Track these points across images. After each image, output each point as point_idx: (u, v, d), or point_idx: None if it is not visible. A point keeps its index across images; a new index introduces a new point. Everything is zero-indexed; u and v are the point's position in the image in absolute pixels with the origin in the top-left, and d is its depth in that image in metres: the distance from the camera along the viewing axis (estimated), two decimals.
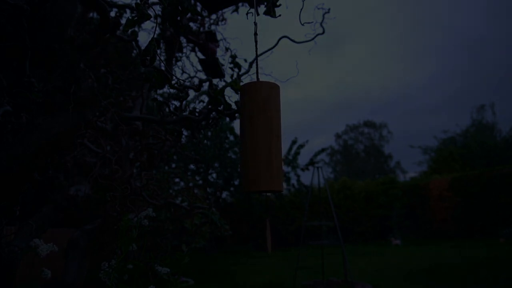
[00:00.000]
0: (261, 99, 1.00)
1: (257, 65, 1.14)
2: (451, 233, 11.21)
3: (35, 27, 1.62)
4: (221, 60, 3.45)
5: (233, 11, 3.72)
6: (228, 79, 3.33)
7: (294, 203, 13.12)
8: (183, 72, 3.80)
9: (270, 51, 3.32)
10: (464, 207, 11.04)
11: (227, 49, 3.68)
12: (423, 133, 34.89)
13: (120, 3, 3.09)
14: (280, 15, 2.02)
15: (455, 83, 44.82)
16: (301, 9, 2.39)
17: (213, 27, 3.82)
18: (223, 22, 3.89)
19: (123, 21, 2.65)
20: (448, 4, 47.33)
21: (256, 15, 1.15)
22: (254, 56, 1.17)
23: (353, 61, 53.84)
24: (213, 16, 3.82)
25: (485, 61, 43.61)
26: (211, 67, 3.42)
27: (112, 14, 3.09)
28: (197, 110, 2.32)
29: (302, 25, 2.57)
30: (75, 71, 1.76)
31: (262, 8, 2.01)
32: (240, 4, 3.46)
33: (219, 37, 3.66)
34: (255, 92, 1.01)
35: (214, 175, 12.12)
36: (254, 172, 0.96)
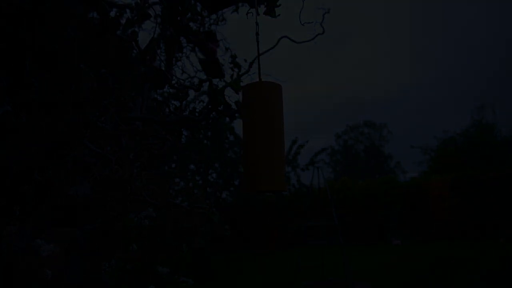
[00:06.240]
0: (263, 99, 1.00)
1: (259, 65, 1.14)
2: (451, 233, 11.20)
3: (35, 27, 1.62)
4: (221, 60, 3.44)
5: (233, 11, 3.71)
6: (228, 79, 3.33)
7: (294, 203, 13.12)
8: (183, 72, 3.79)
9: (270, 51, 3.32)
10: (464, 207, 11.03)
11: (227, 49, 3.68)
12: (423, 133, 34.86)
13: (120, 3, 3.08)
14: (279, 15, 2.02)
15: (455, 83, 44.79)
16: (301, 9, 2.39)
17: (213, 27, 3.81)
18: (223, 22, 3.88)
19: (123, 21, 2.64)
20: (449, 4, 47.31)
21: (256, 15, 1.15)
22: (254, 56, 1.17)
23: (353, 61, 53.83)
24: (213, 16, 3.81)
25: (485, 61, 43.61)
26: (211, 67, 3.42)
27: (112, 14, 3.08)
28: (197, 110, 2.32)
29: (302, 25, 2.57)
30: (75, 71, 1.76)
31: (262, 8, 2.01)
32: (240, 4, 3.46)
33: (219, 37, 3.66)
34: (257, 92, 1.00)
35: (214, 175, 12.12)
36: (255, 172, 0.96)
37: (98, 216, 3.08)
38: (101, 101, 1.86)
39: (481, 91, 38.42)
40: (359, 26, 49.40)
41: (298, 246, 5.76)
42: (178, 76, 3.58)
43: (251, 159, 0.98)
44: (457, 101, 42.13)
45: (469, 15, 45.11)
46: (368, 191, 13.48)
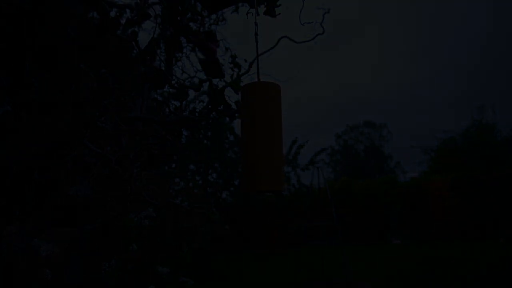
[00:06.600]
0: (262, 99, 1.00)
1: (258, 65, 1.14)
2: (451, 233, 11.21)
3: (35, 27, 1.62)
4: (221, 60, 3.44)
5: (233, 11, 3.72)
6: (228, 79, 3.33)
7: (294, 203, 13.11)
8: (183, 72, 3.79)
9: (270, 51, 3.31)
10: (464, 207, 11.03)
11: (227, 49, 3.68)
12: (423, 133, 34.88)
13: (120, 3, 3.08)
14: (279, 14, 2.02)
15: (455, 83, 44.79)
16: (301, 9, 2.39)
17: (213, 27, 3.81)
18: (223, 22, 3.88)
19: (123, 21, 2.64)
20: (449, 3, 47.32)
21: (256, 15, 1.15)
22: (254, 56, 1.17)
23: (353, 61, 53.82)
24: (213, 16, 3.81)
25: (485, 61, 43.61)
26: (211, 67, 3.41)
27: (112, 14, 3.08)
28: (197, 110, 2.32)
29: (302, 25, 2.57)
30: (75, 71, 1.76)
31: (262, 8, 2.01)
32: (240, 4, 3.46)
33: (219, 37, 3.66)
34: (256, 92, 1.00)
35: (214, 175, 12.12)
36: (255, 172, 0.96)
37: (98, 216, 3.08)
38: (101, 101, 1.86)
39: (481, 91, 38.41)
40: (359, 26, 49.39)
41: (298, 246, 5.77)
42: (178, 76, 3.58)
43: (251, 159, 0.98)
44: (457, 101, 42.11)
45: (469, 15, 45.12)
46: (368, 191, 13.47)
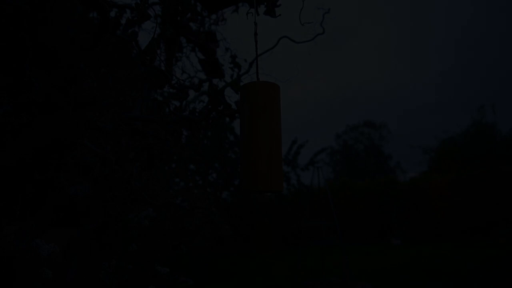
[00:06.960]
0: (261, 99, 1.00)
1: (257, 65, 1.14)
2: (451, 233, 11.22)
3: (36, 27, 1.62)
4: (221, 60, 3.44)
5: (233, 11, 3.72)
6: (228, 79, 3.33)
7: (294, 203, 13.13)
8: (183, 72, 3.80)
9: (270, 51, 3.32)
10: (464, 207, 11.04)
11: (227, 49, 3.68)
12: (423, 133, 34.93)
13: (120, 3, 3.08)
14: (280, 15, 2.02)
15: (455, 83, 44.80)
16: (301, 9, 2.39)
17: (213, 27, 3.81)
18: (223, 22, 3.88)
19: (123, 21, 2.65)
20: (449, 2, 47.34)
21: (256, 15, 1.15)
22: (254, 56, 1.17)
23: (353, 61, 53.82)
24: (213, 16, 3.82)
25: (485, 61, 43.61)
26: (211, 67, 3.42)
27: (112, 14, 3.08)
28: (197, 110, 2.32)
29: (302, 25, 2.57)
30: (75, 71, 1.76)
31: (262, 8, 2.01)
32: (240, 4, 3.46)
33: (219, 37, 3.66)
34: (255, 92, 1.01)
35: (214, 175, 12.12)
36: (254, 172, 0.96)
37: (98, 216, 3.08)
38: (101, 101, 1.86)
39: (481, 91, 38.43)
40: (359, 25, 49.43)
41: (298, 246, 5.77)
42: (178, 76, 3.58)
43: (250, 159, 0.98)
44: (457, 101, 42.13)
45: (470, 15, 45.14)
46: (368, 191, 13.48)
